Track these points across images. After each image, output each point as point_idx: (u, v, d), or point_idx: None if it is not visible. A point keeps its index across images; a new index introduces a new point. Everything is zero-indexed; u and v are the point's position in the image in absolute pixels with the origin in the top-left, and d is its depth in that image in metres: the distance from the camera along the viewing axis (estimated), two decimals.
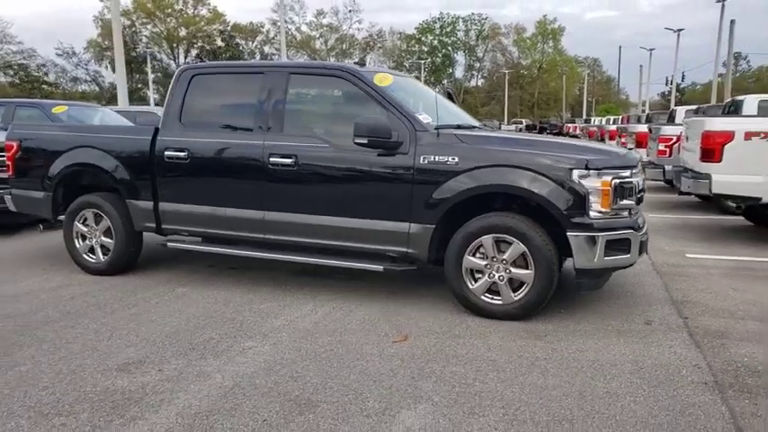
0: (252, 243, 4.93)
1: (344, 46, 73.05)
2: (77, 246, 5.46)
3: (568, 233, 3.97)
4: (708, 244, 6.82)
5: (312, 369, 3.36)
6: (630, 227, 4.12)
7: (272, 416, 2.82)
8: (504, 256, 4.12)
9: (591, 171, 3.98)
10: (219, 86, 5.15)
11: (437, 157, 4.19)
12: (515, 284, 4.15)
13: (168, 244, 5.18)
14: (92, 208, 5.36)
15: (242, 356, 3.55)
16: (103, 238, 5.35)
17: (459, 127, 4.68)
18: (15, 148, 5.61)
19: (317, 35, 72.92)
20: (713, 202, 9.05)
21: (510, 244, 4.10)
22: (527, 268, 4.09)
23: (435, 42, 76.29)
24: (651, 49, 50.57)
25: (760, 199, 6.44)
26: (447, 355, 3.57)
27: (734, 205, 8.34)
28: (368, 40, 72.66)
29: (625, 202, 4.10)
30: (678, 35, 43.06)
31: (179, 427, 2.72)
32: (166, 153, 4.94)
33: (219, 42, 19.21)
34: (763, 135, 6.38)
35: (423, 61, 66.67)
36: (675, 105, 43.97)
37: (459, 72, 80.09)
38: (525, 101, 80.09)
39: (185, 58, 69.89)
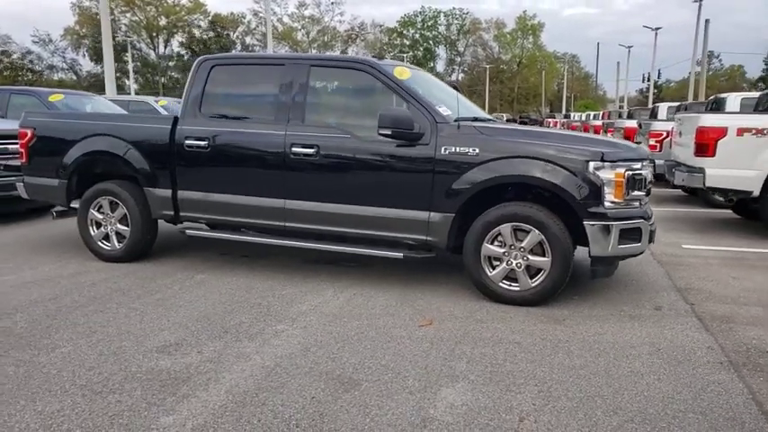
0: (270, 230, 5.03)
1: (326, 38, 72.80)
2: (92, 233, 5.50)
3: (585, 222, 4.15)
4: (700, 235, 7.08)
5: (347, 350, 3.49)
6: (641, 216, 4.31)
7: (320, 393, 2.95)
8: (522, 244, 4.29)
9: (606, 163, 4.16)
10: (239, 77, 5.24)
11: (458, 148, 4.34)
12: (532, 271, 4.32)
13: (186, 231, 5.25)
14: (108, 196, 5.40)
15: (276, 339, 3.67)
16: (119, 226, 5.41)
17: (475, 119, 4.82)
18: (30, 135, 5.62)
19: (299, 27, 72.56)
20: (699, 196, 9.35)
21: (527, 232, 4.27)
22: (544, 256, 4.26)
23: (417, 36, 76.45)
24: (629, 47, 51.40)
25: (751, 192, 6.70)
26: (473, 338, 3.72)
27: (722, 199, 8.62)
28: (350, 33, 72.47)
29: (636, 192, 4.29)
30: (656, 33, 43.80)
31: (231, 404, 2.84)
32: (186, 142, 5.01)
33: (198, 33, 19.05)
34: (754, 131, 6.65)
35: (404, 55, 66.71)
36: (653, 102, 44.77)
37: (440, 66, 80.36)
38: (505, 95, 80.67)
39: (165, 47, 69.14)
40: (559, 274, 4.23)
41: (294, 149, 4.70)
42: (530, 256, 4.29)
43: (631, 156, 4.33)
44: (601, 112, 32.90)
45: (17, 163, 6.25)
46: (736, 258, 5.93)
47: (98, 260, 5.50)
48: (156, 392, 2.95)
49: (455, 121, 4.50)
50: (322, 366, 3.27)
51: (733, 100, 11.94)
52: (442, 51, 78.07)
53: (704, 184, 6.81)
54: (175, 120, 5.15)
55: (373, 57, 5.12)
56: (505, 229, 4.30)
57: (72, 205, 5.68)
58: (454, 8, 78.45)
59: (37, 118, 5.79)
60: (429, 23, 76.61)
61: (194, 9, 67.56)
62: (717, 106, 12.74)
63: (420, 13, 76.06)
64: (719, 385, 3.09)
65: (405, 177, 4.51)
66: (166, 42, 69.51)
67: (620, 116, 26.49)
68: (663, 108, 17.58)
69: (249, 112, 5.12)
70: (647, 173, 4.41)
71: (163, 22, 67.00)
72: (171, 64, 70.11)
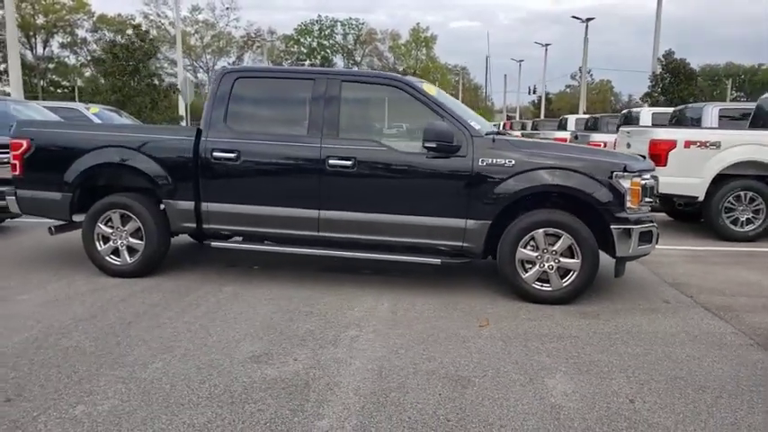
0: (301, 240, 5.11)
1: (221, 43, 70.94)
2: (99, 248, 5.30)
3: (612, 226, 4.64)
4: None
5: (434, 351, 3.72)
6: (652, 220, 4.87)
7: (443, 390, 3.17)
8: (555, 248, 4.71)
9: (626, 173, 4.68)
10: (267, 90, 5.28)
11: (495, 160, 4.69)
12: (562, 272, 4.74)
13: (212, 243, 5.21)
14: (119, 209, 5.24)
15: (358, 344, 3.82)
16: (131, 240, 5.26)
17: (498, 133, 5.20)
18: (25, 146, 5.33)
19: (192, 31, 70.13)
20: None
21: (558, 237, 4.69)
22: (573, 257, 4.70)
23: (314, 44, 76.47)
24: (521, 61, 54.64)
25: (697, 198, 7.60)
26: (535, 334, 4.07)
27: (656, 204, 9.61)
28: (246, 39, 71.10)
29: (647, 199, 4.85)
30: (546, 49, 46.96)
31: (370, 405, 2.99)
32: (214, 154, 4.99)
33: (120, 38, 17.90)
34: (699, 144, 7.56)
35: (303, 63, 66.53)
36: (544, 113, 47.83)
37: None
38: None
39: (44, 48, 64.35)
40: (588, 274, 4.69)
41: (331, 161, 4.84)
42: (561, 259, 4.71)
43: (644, 167, 4.89)
44: (501, 123, 34.73)
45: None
46: (697, 256, 6.72)
47: (104, 276, 5.30)
48: (288, 399, 3.03)
49: (487, 134, 4.85)
50: (424, 366, 3.48)
51: (646, 114, 13.25)
52: (339, 60, 78.56)
53: (657, 191, 7.60)
54: (198, 131, 5.10)
55: (399, 73, 5.32)
56: (539, 234, 4.70)
57: (74, 220, 5.43)
58: (351, 18, 79.07)
59: (35, 128, 5.49)
60: (326, 32, 76.92)
61: (77, 8, 63.56)
62: (629, 120, 14.07)
63: (317, 21, 76.13)
64: (763, 363, 3.63)
65: (442, 187, 4.79)
66: (45, 43, 64.83)
67: (522, 127, 28.18)
68: (572, 120, 19.07)
69: (279, 124, 5.19)
70: (654, 182, 4.98)
71: (41, 20, 62.43)
72: (51, 66, 65.41)
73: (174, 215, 5.15)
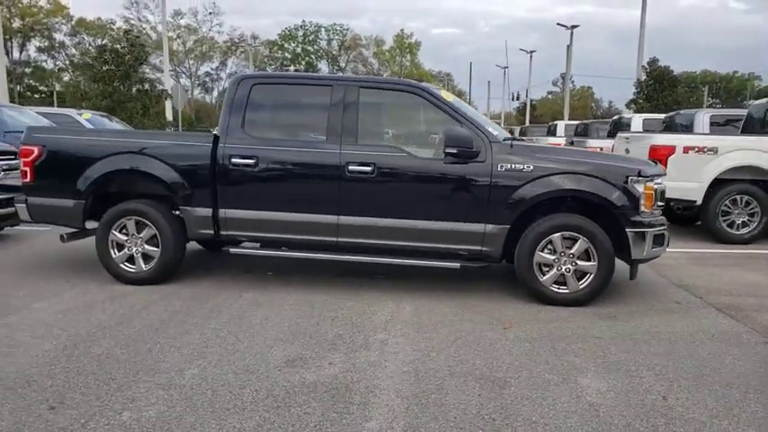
0: (319, 246, 5.14)
1: (204, 48, 70.62)
2: (113, 255, 5.28)
3: (627, 230, 4.75)
4: None
5: (466, 353, 3.78)
6: (663, 224, 4.99)
7: (482, 391, 3.23)
8: (572, 251, 4.80)
9: (641, 178, 4.80)
10: (284, 96, 5.33)
11: (514, 165, 4.78)
12: (578, 275, 4.84)
13: (230, 250, 5.23)
14: (134, 216, 5.23)
15: (389, 347, 3.87)
16: (147, 247, 5.25)
17: (514, 139, 5.29)
18: (37, 152, 5.30)
19: (175, 36, 69.70)
20: None
21: (576, 240, 4.79)
22: (589, 260, 4.80)
23: (299, 50, 76.43)
24: (505, 68, 55.05)
25: (695, 201, 7.78)
26: (559, 336, 4.16)
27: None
28: (229, 44, 70.87)
29: (659, 203, 4.97)
30: (531, 56, 47.48)
31: (415, 406, 3.04)
32: (233, 160, 5.01)
33: (111, 43, 17.70)
34: (697, 149, 7.74)
35: (288, 68, 66.41)
36: (529, 119, 48.28)
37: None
38: None
39: (21, 52, 63.43)
40: (604, 277, 4.79)
41: (351, 167, 4.89)
42: (578, 262, 4.81)
43: (656, 172, 5.01)
44: None
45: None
46: (698, 259, 6.88)
47: (118, 283, 5.28)
48: (332, 402, 3.07)
49: (504, 140, 4.94)
50: (458, 368, 3.54)
51: (637, 120, 13.49)
52: (324, 66, 78.59)
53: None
54: (215, 138, 5.12)
55: (415, 80, 5.40)
56: (556, 238, 4.79)
57: (86, 227, 5.42)
58: (335, 23, 79.24)
59: (47, 135, 5.46)
60: (310, 38, 76.97)
61: (55, 12, 62.82)
62: (619, 126, 14.31)
63: (301, 26, 76.15)
64: None
65: (462, 192, 4.86)
66: (22, 47, 63.93)
67: (510, 132, 28.37)
68: (561, 125, 19.32)
69: (297, 130, 5.24)
70: (664, 187, 5.10)
71: (17, 24, 61.59)
72: (28, 71, 64.47)
73: (191, 222, 5.16)
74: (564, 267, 4.82)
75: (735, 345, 4.03)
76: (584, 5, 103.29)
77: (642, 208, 4.80)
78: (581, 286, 4.83)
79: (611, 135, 14.75)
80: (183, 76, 70.82)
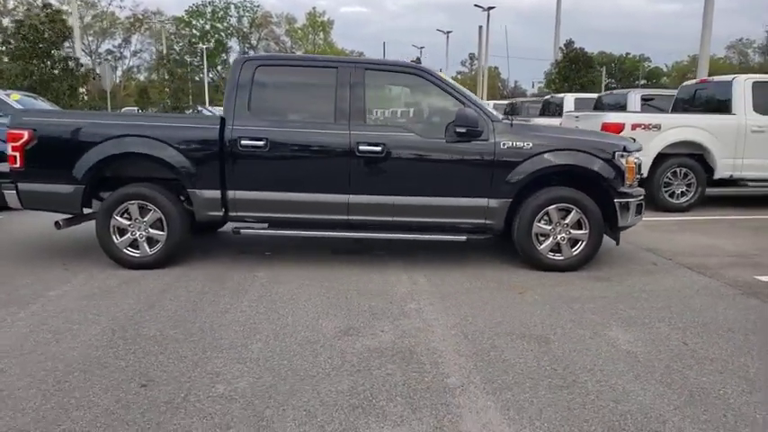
0: (329, 225, 5.32)
1: (104, 24, 66.74)
2: (115, 241, 5.23)
3: (615, 200, 5.25)
4: None
5: (498, 316, 4.13)
6: (641, 194, 5.55)
7: (532, 347, 3.59)
8: (566, 221, 5.25)
9: (625, 153, 5.30)
10: (289, 78, 5.41)
11: (515, 143, 5.14)
12: (571, 243, 5.31)
13: (241, 231, 5.30)
14: (138, 200, 5.19)
15: (426, 315, 4.16)
16: (151, 231, 5.23)
17: (508, 117, 5.66)
18: (27, 137, 5.11)
19: (69, 11, 65.40)
20: None
21: (569, 211, 5.24)
22: (582, 229, 5.27)
23: (207, 27, 73.83)
24: (421, 48, 55.80)
25: (642, 174, 8.49)
26: (570, 297, 4.59)
27: None
28: (132, 21, 67.33)
29: (637, 176, 5.51)
30: (447, 36, 48.46)
31: (480, 363, 3.35)
32: (242, 142, 5.08)
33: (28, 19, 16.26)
34: (643, 126, 8.46)
35: (198, 46, 63.83)
36: None
37: (233, 59, 78.52)
38: None
39: None
40: (595, 244, 5.29)
41: (361, 147, 5.08)
42: (571, 231, 5.27)
43: (636, 147, 5.53)
44: None
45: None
46: (652, 226, 7.57)
47: (119, 268, 5.23)
48: (405, 364, 3.33)
49: (503, 119, 5.29)
50: (499, 329, 3.88)
51: (569, 99, 14.31)
52: (234, 44, 76.43)
53: None
54: (222, 120, 5.16)
55: (413, 62, 5.64)
56: (552, 209, 5.22)
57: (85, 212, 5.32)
58: (245, 0, 76.89)
59: (38, 118, 5.27)
60: (219, 14, 74.47)
61: None
62: (548, 105, 15.11)
63: (210, 3, 73.50)
64: (760, 308, 4.36)
65: (467, 169, 5.18)
66: None
67: None
68: (489, 105, 19.92)
69: (304, 112, 5.35)
70: (641, 161, 5.65)
71: None
72: None
73: (199, 204, 5.18)
74: (559, 236, 5.26)
75: (718, 297, 4.62)
76: None
77: (626, 180, 5.30)
78: (574, 253, 5.30)
79: (542, 114, 15.59)
80: (83, 53, 66.74)
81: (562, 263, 5.29)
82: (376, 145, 5.08)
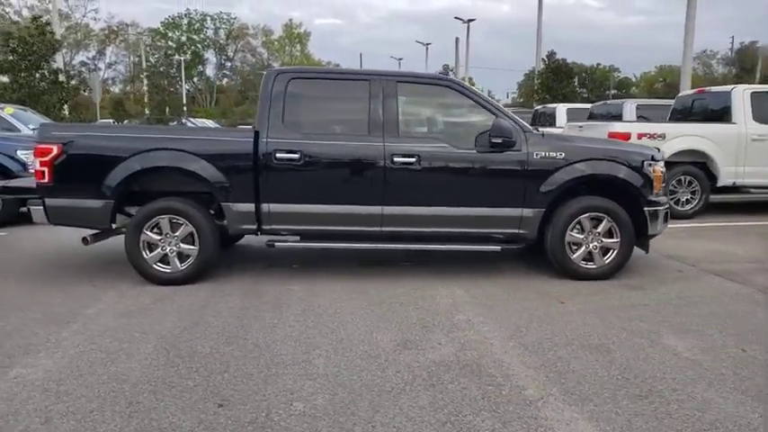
0: (362, 236, 5.29)
1: (79, 36, 65.71)
2: (145, 256, 5.13)
3: (645, 208, 5.32)
4: None
5: (550, 327, 4.14)
6: (667, 203, 5.63)
7: (596, 357, 3.60)
8: (598, 230, 5.30)
9: (653, 162, 5.38)
10: (321, 91, 5.38)
11: (548, 153, 5.18)
12: (603, 251, 5.35)
13: (276, 244, 5.24)
14: (169, 214, 5.10)
15: (478, 326, 4.14)
16: (183, 245, 5.15)
17: (536, 128, 5.71)
18: (55, 151, 5.00)
19: (43, 22, 64.27)
20: None
21: (601, 220, 5.29)
22: (613, 238, 5.32)
23: (183, 39, 73.26)
24: (400, 59, 56.12)
25: None
26: (612, 306, 4.62)
27: None
28: (107, 32, 66.43)
29: (663, 185, 5.60)
30: (427, 48, 48.82)
31: (551, 374, 3.35)
32: (277, 155, 5.03)
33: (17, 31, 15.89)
34: (648, 135, 8.60)
35: (175, 57, 63.23)
36: None
37: (209, 70, 78.13)
38: None
39: None
40: (627, 252, 5.34)
41: (396, 159, 5.07)
42: (603, 239, 5.32)
43: (661, 157, 5.62)
44: None
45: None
46: (667, 233, 7.64)
47: (147, 283, 5.13)
48: (477, 377, 3.31)
49: (535, 130, 5.34)
50: (556, 340, 3.89)
51: (561, 109, 14.50)
52: (211, 56, 75.96)
53: None
54: (256, 133, 5.11)
55: (441, 73, 5.65)
56: (584, 218, 5.27)
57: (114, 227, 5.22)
58: (221, 12, 76.64)
59: (67, 132, 5.16)
60: (196, 26, 73.97)
61: None
62: (538, 115, 15.28)
63: (186, 15, 73.02)
64: None
65: (501, 180, 5.20)
66: None
67: None
68: None
69: (338, 124, 5.34)
70: (665, 170, 5.74)
71: None
72: None
73: (233, 218, 5.12)
74: (591, 245, 5.31)
75: (755, 303, 4.70)
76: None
77: (654, 188, 5.37)
78: (606, 261, 5.35)
79: (533, 124, 15.76)
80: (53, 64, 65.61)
81: (594, 271, 5.33)
82: (410, 156, 5.08)
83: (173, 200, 5.13)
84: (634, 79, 76.45)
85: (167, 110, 26.79)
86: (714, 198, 9.05)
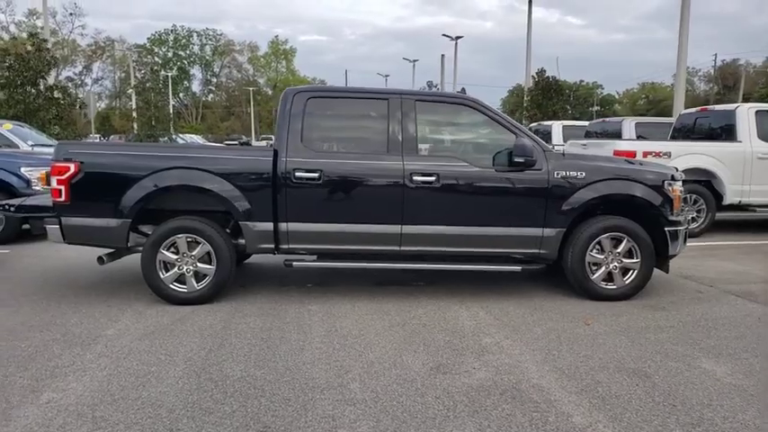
0: (381, 256, 5.23)
1: (65, 52, 65.36)
2: (162, 276, 5.03)
3: (666, 228, 5.31)
4: None
5: (582, 349, 4.09)
6: (685, 223, 5.62)
7: (633, 381, 3.55)
8: (618, 250, 5.28)
9: (673, 181, 5.39)
10: (340, 110, 5.36)
11: (568, 173, 5.17)
12: (623, 272, 5.33)
13: (293, 264, 5.16)
14: (187, 233, 5.01)
15: (508, 349, 4.09)
16: (200, 265, 5.06)
17: (553, 147, 5.69)
18: (73, 170, 4.91)
19: (40, 39, 63.85)
20: None
21: (621, 240, 5.27)
22: (633, 258, 5.30)
23: (170, 54, 73.21)
24: (386, 76, 56.41)
25: None
26: (639, 328, 4.58)
27: None
28: (94, 48, 66.21)
29: (682, 204, 5.59)
30: (414, 65, 49.11)
31: (594, 399, 3.29)
32: (296, 174, 4.97)
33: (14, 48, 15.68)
34: (654, 154, 8.64)
35: (162, 73, 62.99)
36: None
37: (195, 86, 78.05)
38: (264, 118, 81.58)
39: None
40: (647, 272, 5.32)
41: (415, 178, 5.03)
42: (623, 260, 5.29)
43: (679, 176, 5.63)
44: None
45: None
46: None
47: (162, 303, 5.04)
48: (520, 403, 3.25)
49: (555, 150, 5.32)
50: (592, 363, 3.84)
51: (557, 127, 14.59)
52: (197, 71, 75.91)
53: None
54: (275, 152, 5.05)
55: (459, 93, 5.63)
56: (605, 238, 5.25)
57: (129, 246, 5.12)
58: (207, 28, 76.73)
59: (84, 150, 5.08)
60: (182, 42, 73.98)
61: None
62: (537, 132, 15.33)
63: (172, 31, 73.04)
64: None
65: (522, 199, 5.17)
66: None
67: None
68: None
69: (357, 143, 5.31)
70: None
71: None
72: None
73: (251, 237, 5.04)
74: (612, 265, 5.28)
75: None
76: (443, 17, 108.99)
77: (675, 208, 5.37)
78: (626, 282, 5.32)
79: None
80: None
81: (615, 292, 5.30)
82: (430, 175, 5.04)
83: (190, 219, 5.04)
84: (617, 96, 77.45)
85: (153, 125, 26.41)
86: (719, 216, 9.08)
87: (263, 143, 51.01)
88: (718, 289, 5.79)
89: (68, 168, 4.89)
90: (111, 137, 41.19)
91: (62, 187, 4.90)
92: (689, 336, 4.38)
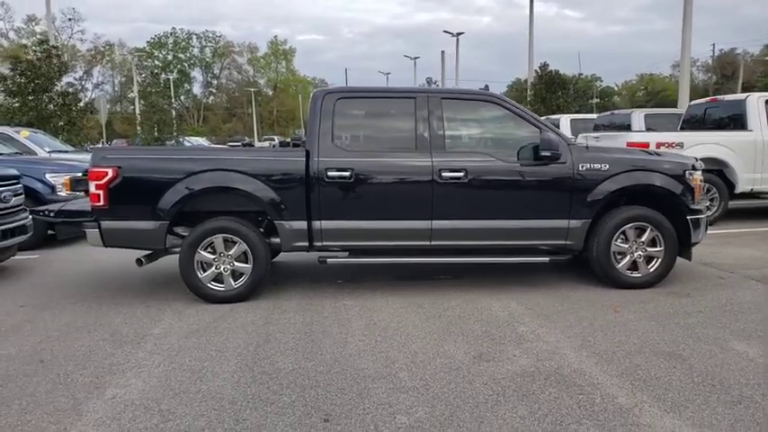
0: (411, 251, 5.38)
1: (65, 57, 65.45)
2: (200, 275, 5.17)
3: (688, 217, 5.44)
4: None
5: (616, 335, 4.22)
6: (707, 210, 5.75)
7: (671, 363, 3.68)
8: (642, 239, 5.41)
9: (693, 171, 5.52)
10: (368, 109, 5.49)
11: (593, 165, 5.30)
12: (647, 260, 5.46)
13: (328, 260, 5.31)
14: (224, 233, 5.15)
15: (546, 337, 4.22)
16: (237, 264, 5.20)
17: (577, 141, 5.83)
18: (111, 174, 5.05)
19: (30, 45, 64.01)
20: None
21: (644, 230, 5.40)
22: (656, 246, 5.44)
23: (170, 57, 73.33)
24: (387, 74, 56.52)
25: None
26: (668, 313, 4.72)
27: None
28: (93, 53, 66.37)
29: (701, 193, 5.72)
30: (415, 63, 49.19)
31: (636, 382, 3.43)
32: (328, 173, 5.11)
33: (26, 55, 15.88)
34: (667, 145, 8.77)
35: (163, 76, 63.13)
36: None
37: (196, 88, 78.20)
38: (265, 118, 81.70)
39: None
40: (671, 260, 5.45)
41: (444, 174, 5.16)
42: (647, 248, 5.43)
43: (698, 166, 5.76)
44: None
45: None
46: None
47: (200, 302, 5.18)
48: (565, 387, 3.38)
49: (578, 143, 5.45)
50: (627, 348, 3.97)
51: (565, 120, 14.69)
52: (197, 74, 76.06)
53: None
54: (307, 152, 5.18)
55: (482, 90, 5.77)
56: (629, 228, 5.38)
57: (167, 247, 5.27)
58: (207, 30, 76.83)
59: (121, 155, 5.21)
60: (182, 45, 74.10)
61: None
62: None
63: (171, 34, 73.18)
64: None
65: (548, 192, 5.30)
66: None
67: None
68: None
69: (386, 142, 5.43)
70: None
71: None
72: None
73: (286, 235, 5.18)
74: (636, 254, 5.41)
75: None
76: (441, 12, 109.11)
77: (696, 197, 5.50)
78: (650, 270, 5.45)
79: None
80: None
81: (639, 280, 5.43)
82: (458, 171, 5.18)
83: (227, 219, 5.18)
84: (616, 88, 77.43)
85: (156, 129, 26.49)
86: (732, 204, 9.21)
87: (266, 144, 51.12)
88: (738, 274, 5.91)
89: (106, 173, 5.03)
90: (114, 141, 41.29)
91: (101, 192, 5.04)
92: (717, 320, 4.52)
